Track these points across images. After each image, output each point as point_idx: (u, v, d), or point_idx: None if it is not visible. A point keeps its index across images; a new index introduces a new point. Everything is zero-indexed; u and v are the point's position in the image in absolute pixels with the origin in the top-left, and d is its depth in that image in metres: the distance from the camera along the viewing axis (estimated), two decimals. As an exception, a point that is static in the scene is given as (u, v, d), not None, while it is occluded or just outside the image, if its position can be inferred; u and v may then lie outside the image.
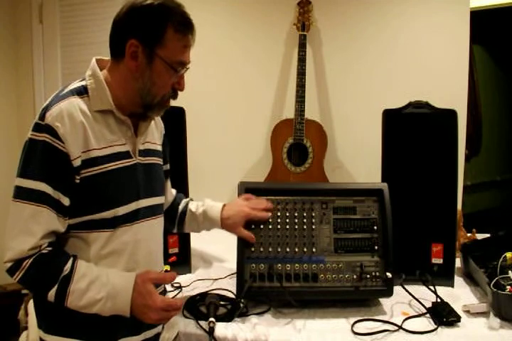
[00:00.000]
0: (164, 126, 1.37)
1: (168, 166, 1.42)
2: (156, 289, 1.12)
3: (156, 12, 1.07)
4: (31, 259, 1.02)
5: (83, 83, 1.12)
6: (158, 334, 1.23)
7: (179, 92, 1.18)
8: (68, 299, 1.03)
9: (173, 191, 1.53)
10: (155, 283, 1.09)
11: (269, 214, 1.48)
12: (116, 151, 1.12)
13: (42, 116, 1.04)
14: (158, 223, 1.26)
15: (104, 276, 1.06)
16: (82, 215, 1.08)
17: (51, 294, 1.03)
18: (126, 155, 1.14)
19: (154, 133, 1.28)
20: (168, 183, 1.47)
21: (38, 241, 1.02)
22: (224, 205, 1.48)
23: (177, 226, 1.50)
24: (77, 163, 1.04)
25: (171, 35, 1.08)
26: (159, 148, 1.30)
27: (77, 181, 1.05)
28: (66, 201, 1.05)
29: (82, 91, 1.10)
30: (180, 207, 1.51)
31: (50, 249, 1.05)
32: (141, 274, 1.09)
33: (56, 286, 1.02)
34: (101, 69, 1.15)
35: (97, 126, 1.09)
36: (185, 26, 1.10)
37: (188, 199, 1.55)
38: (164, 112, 1.26)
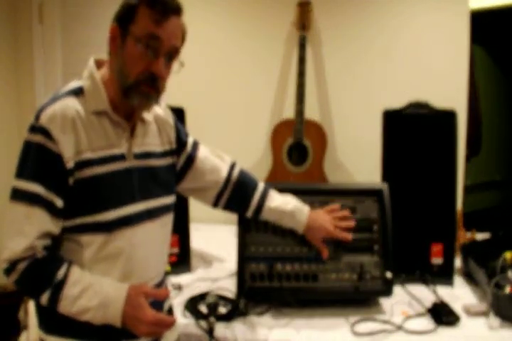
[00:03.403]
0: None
1: (188, 149, 1.35)
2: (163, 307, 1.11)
3: None
4: (26, 263, 1.02)
5: (80, 83, 1.12)
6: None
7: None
8: (60, 305, 1.03)
9: (224, 168, 1.42)
10: (147, 298, 1.07)
11: (350, 236, 1.46)
12: (110, 154, 1.11)
13: (37, 118, 1.04)
14: (156, 226, 1.23)
15: (97, 285, 1.05)
16: (75, 217, 1.07)
17: (44, 298, 1.03)
18: (120, 157, 1.13)
19: (155, 138, 1.25)
20: (204, 159, 1.38)
21: (31, 242, 1.02)
22: (310, 211, 1.46)
23: (253, 214, 1.44)
24: (70, 164, 1.04)
25: (143, 10, 1.06)
26: (160, 149, 1.27)
27: (71, 183, 1.05)
28: (59, 202, 1.05)
29: (78, 92, 1.10)
30: (256, 197, 1.43)
31: (45, 253, 1.04)
32: (135, 287, 1.07)
33: (49, 291, 1.02)
34: (99, 69, 1.14)
35: (92, 128, 1.08)
36: (160, 2, 1.06)
37: (262, 187, 1.45)
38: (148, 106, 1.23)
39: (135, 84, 1.09)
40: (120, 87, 1.10)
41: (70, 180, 1.05)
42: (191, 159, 1.37)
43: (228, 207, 1.45)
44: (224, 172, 1.42)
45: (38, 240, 1.03)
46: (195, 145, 1.39)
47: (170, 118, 1.31)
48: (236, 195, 1.43)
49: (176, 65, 1.14)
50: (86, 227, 1.08)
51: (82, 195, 1.07)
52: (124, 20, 1.08)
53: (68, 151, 1.03)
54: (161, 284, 1.28)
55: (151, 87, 1.10)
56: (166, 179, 1.28)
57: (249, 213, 1.45)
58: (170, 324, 1.07)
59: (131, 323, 1.04)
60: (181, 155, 1.35)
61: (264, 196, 1.44)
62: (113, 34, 1.09)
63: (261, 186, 1.46)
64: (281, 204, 1.44)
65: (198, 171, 1.39)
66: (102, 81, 1.12)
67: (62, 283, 1.02)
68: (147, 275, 1.19)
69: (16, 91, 3.06)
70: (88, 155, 1.07)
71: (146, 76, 1.09)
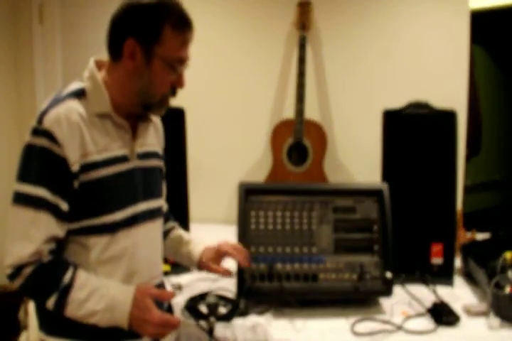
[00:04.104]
0: (164, 127, 1.35)
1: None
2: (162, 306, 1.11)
3: (153, 10, 1.06)
4: (31, 268, 1.02)
5: (81, 85, 1.11)
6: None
7: (180, 91, 1.17)
8: (67, 308, 1.02)
9: (165, 206, 1.43)
10: (153, 299, 1.07)
11: (247, 264, 1.35)
12: (114, 155, 1.11)
13: (40, 121, 1.03)
14: (156, 226, 1.24)
15: (104, 288, 1.05)
16: (80, 220, 1.07)
17: (50, 303, 1.02)
18: (123, 159, 1.13)
19: (154, 138, 1.27)
20: (164, 192, 1.39)
21: (37, 247, 1.01)
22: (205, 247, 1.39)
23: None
24: (75, 167, 1.03)
25: (169, 33, 1.06)
26: (159, 150, 1.28)
27: (76, 186, 1.05)
28: (65, 206, 1.04)
29: (80, 94, 1.09)
30: (168, 226, 1.43)
31: (50, 257, 1.04)
32: (141, 289, 1.07)
33: (55, 295, 1.02)
34: (99, 70, 1.14)
35: (95, 130, 1.08)
36: (183, 23, 1.09)
37: (173, 225, 1.45)
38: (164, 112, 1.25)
39: (160, 101, 1.13)
40: (142, 102, 1.13)
41: (75, 183, 1.05)
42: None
43: None
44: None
45: (44, 244, 1.03)
46: None
47: (160, 125, 1.34)
48: None
49: None
50: (92, 229, 1.08)
51: (88, 197, 1.07)
52: (146, 38, 1.06)
53: (73, 154, 1.03)
54: (161, 284, 1.28)
55: (171, 97, 1.16)
56: (160, 180, 1.29)
57: None
58: (176, 324, 1.06)
59: (138, 325, 1.04)
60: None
61: (173, 228, 1.43)
62: (131, 50, 1.07)
63: (176, 226, 1.45)
64: (184, 234, 1.42)
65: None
66: (103, 82, 1.12)
67: (69, 287, 1.02)
68: (150, 274, 1.20)
69: (16, 91, 3.05)
70: (93, 157, 1.07)
71: (169, 91, 1.14)
